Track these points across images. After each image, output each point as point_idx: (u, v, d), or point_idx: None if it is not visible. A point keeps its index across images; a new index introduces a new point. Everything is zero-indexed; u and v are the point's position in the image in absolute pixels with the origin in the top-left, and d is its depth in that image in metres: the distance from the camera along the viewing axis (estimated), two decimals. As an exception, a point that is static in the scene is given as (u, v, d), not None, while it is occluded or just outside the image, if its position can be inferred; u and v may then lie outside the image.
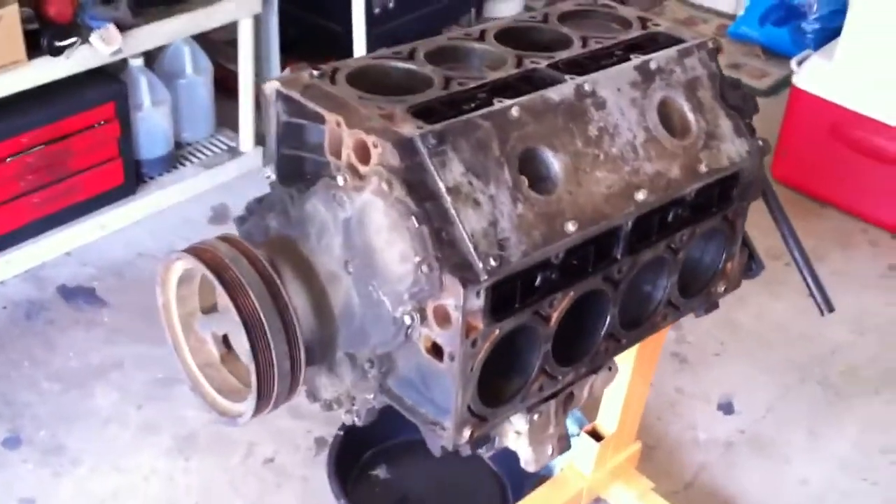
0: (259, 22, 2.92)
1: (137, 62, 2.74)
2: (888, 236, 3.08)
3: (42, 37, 2.34)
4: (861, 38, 2.93)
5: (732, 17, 4.31)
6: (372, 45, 3.13)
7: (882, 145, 2.96)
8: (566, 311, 1.22)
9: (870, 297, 2.82)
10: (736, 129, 1.37)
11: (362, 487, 2.11)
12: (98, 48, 2.43)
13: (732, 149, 1.36)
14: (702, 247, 1.44)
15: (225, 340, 1.28)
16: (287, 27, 3.02)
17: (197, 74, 2.97)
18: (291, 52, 3.12)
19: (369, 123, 1.13)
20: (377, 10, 3.35)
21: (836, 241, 3.04)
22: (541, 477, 2.05)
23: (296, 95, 1.20)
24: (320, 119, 1.17)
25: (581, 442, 1.96)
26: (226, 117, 3.13)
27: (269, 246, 1.25)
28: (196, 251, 1.18)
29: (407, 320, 1.13)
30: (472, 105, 1.19)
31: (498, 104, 1.18)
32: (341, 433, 2.08)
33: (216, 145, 3.09)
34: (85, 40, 2.41)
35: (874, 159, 2.99)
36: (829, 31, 3.72)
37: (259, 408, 1.18)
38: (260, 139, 3.12)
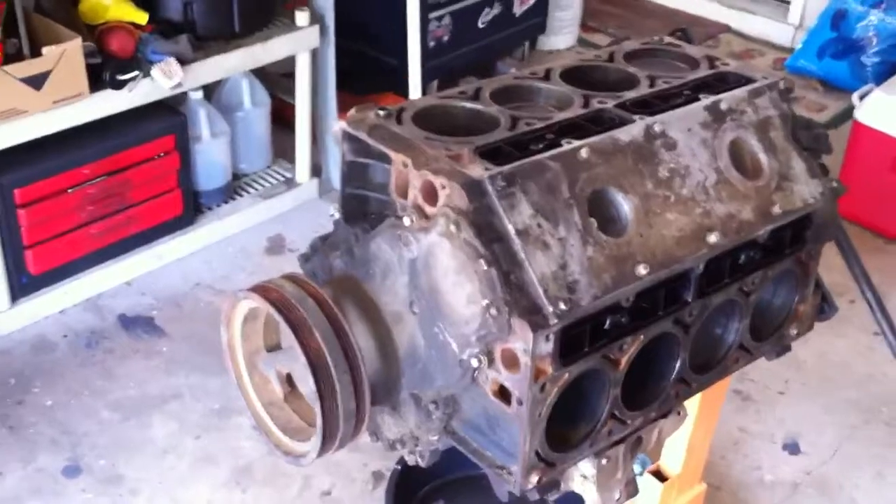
0: (316, 56, 2.94)
1: (197, 95, 2.77)
2: (954, 273, 3.00)
3: (104, 70, 2.37)
4: (926, 71, 2.88)
5: (789, 49, 4.26)
6: (427, 78, 3.15)
7: (947, 180, 2.90)
8: (636, 354, 1.20)
9: (937, 336, 2.74)
10: (809, 170, 1.34)
11: (420, 523, 2.09)
12: (159, 82, 2.47)
13: (806, 190, 1.33)
14: (773, 289, 1.41)
15: (289, 379, 1.27)
16: (343, 60, 3.04)
17: (255, 107, 3.00)
18: (347, 85, 3.14)
19: (437, 164, 1.12)
20: (432, 44, 3.37)
21: (900, 277, 2.98)
22: (599, 517, 2.01)
23: (363, 136, 1.19)
24: (387, 159, 1.17)
25: (645, 483, 1.93)
26: (282, 149, 3.16)
27: (333, 285, 1.24)
28: (262, 290, 1.17)
29: (474, 363, 1.12)
30: (540, 146, 1.17)
31: (566, 145, 1.16)
32: (399, 467, 2.07)
33: (273, 176, 3.11)
34: (146, 74, 2.45)
35: (939, 194, 2.93)
36: (890, 65, 3.67)
37: (324, 448, 1.17)
38: (316, 171, 3.15)
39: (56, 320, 2.57)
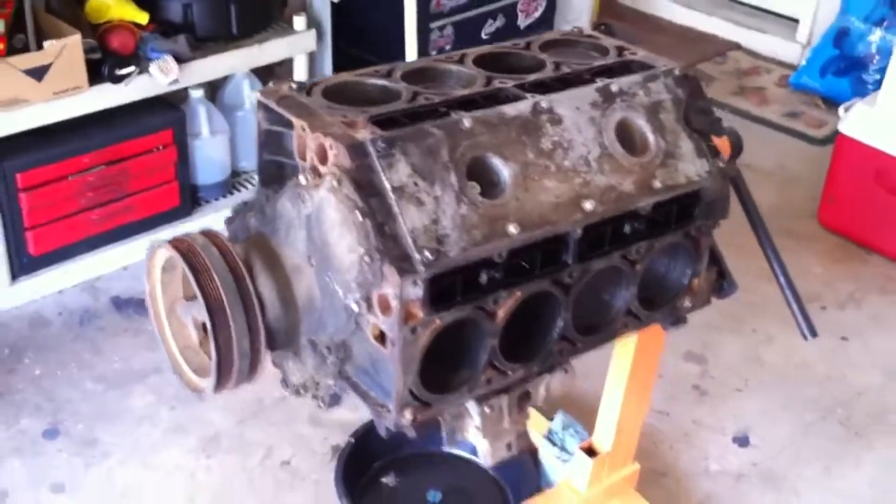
0: (313, 60, 3.09)
1: (198, 93, 2.93)
2: (931, 284, 3.05)
3: (103, 65, 2.54)
4: (902, 84, 2.94)
5: (796, 67, 4.32)
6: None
7: (925, 192, 2.96)
8: (515, 310, 1.30)
9: (905, 343, 2.80)
10: (697, 151, 1.44)
11: (372, 493, 2.19)
12: (156, 78, 2.62)
13: (692, 168, 1.43)
14: (666, 262, 1.51)
15: (204, 327, 1.40)
16: (342, 66, 3.18)
17: (255, 107, 3.14)
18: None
19: (330, 129, 1.24)
20: (433, 53, 3.49)
21: (877, 286, 3.03)
22: (541, 489, 2.11)
23: (272, 104, 1.32)
24: (290, 125, 1.29)
25: (576, 458, 2.02)
26: (283, 148, 3.29)
27: (247, 242, 1.37)
28: (175, 241, 1.31)
29: (355, 308, 1.24)
30: (432, 117, 1.29)
31: (454, 116, 1.28)
32: (352, 440, 2.18)
33: (272, 174, 3.25)
34: (143, 70, 2.60)
35: (917, 206, 2.99)
36: (889, 82, 3.71)
37: (220, 384, 1.30)
38: (314, 169, 3.28)
39: (53, 299, 2.73)
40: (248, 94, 3.12)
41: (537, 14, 3.93)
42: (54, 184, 2.63)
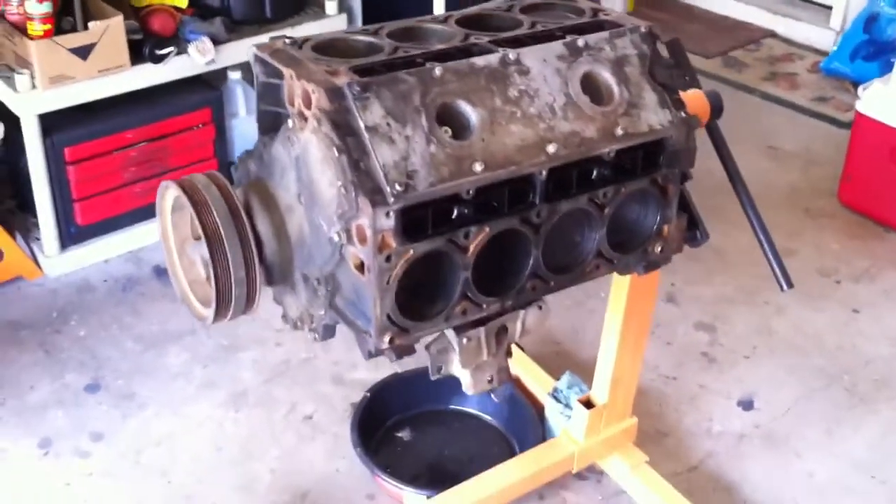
0: (346, 42, 3.24)
1: (236, 75, 3.10)
2: (948, 259, 3.08)
3: (144, 46, 2.72)
4: (917, 62, 2.99)
5: (828, 53, 4.36)
6: None
7: (940, 168, 3.00)
8: (487, 245, 1.42)
9: (918, 316, 2.85)
10: (660, 102, 1.55)
11: (387, 446, 2.33)
12: (194, 58, 2.79)
13: (654, 118, 1.53)
14: (636, 209, 1.61)
15: (210, 263, 1.55)
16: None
17: (291, 89, 3.30)
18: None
19: (315, 76, 1.38)
20: None
21: (892, 261, 3.07)
22: (545, 440, 2.22)
23: (266, 57, 1.46)
24: (281, 75, 1.43)
25: (575, 410, 2.13)
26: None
27: (247, 186, 1.52)
28: (180, 181, 1.45)
29: (336, 238, 1.37)
30: (409, 68, 1.42)
31: (427, 66, 1.41)
32: (368, 395, 2.32)
33: (307, 154, 3.41)
34: (182, 51, 2.78)
35: (933, 182, 3.03)
36: (917, 64, 3.74)
37: (219, 311, 1.44)
38: (347, 150, 3.43)
39: (99, 268, 2.92)
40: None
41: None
42: (100, 158, 2.81)
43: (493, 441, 2.34)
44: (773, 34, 4.63)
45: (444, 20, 1.62)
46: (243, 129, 3.16)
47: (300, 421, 2.41)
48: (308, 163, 1.38)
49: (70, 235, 2.87)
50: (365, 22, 3.25)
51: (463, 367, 1.53)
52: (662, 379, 2.56)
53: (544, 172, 1.44)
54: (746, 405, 2.51)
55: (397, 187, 1.31)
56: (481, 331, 1.51)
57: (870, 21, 4.02)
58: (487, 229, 1.42)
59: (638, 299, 1.95)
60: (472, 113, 1.40)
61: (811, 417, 2.47)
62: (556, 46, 1.50)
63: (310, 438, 2.36)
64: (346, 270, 1.41)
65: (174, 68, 2.79)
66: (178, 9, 2.84)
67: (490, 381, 1.59)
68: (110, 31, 2.62)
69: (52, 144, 2.72)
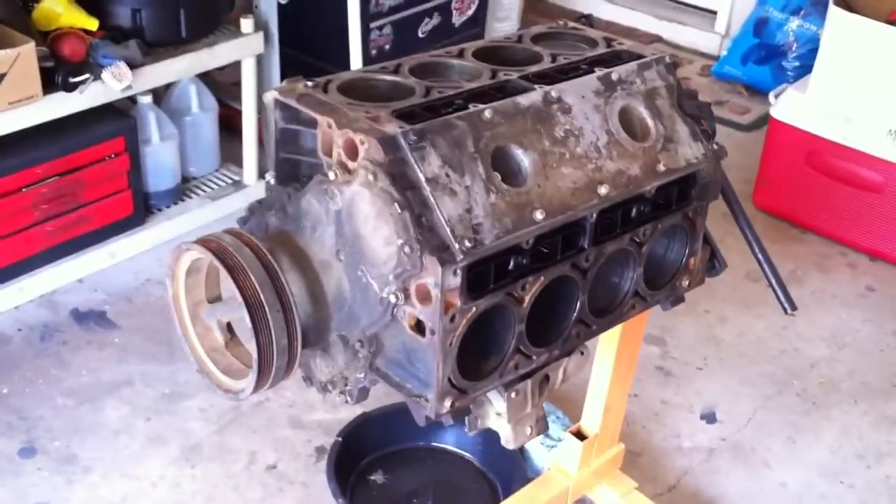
0: (261, 62, 3.08)
1: (146, 99, 2.90)
2: (867, 259, 3.20)
3: (57, 73, 2.49)
4: (832, 71, 3.09)
5: (716, 57, 4.48)
6: (369, 83, 3.30)
7: (856, 172, 3.11)
8: (538, 294, 1.35)
9: (847, 315, 2.94)
10: (692, 134, 1.51)
11: (361, 491, 2.21)
12: (109, 84, 2.58)
13: (689, 151, 1.49)
14: (665, 243, 1.57)
15: (229, 328, 1.41)
16: (288, 69, 3.18)
17: (203, 111, 3.12)
18: (292, 90, 3.28)
19: (357, 124, 1.27)
20: (374, 52, 3.52)
21: (815, 264, 3.17)
22: (528, 477, 2.16)
23: (292, 103, 1.34)
24: (313, 123, 1.31)
25: (566, 442, 2.08)
26: (230, 153, 3.28)
27: (269, 241, 1.38)
28: (203, 241, 1.31)
29: (393, 300, 1.26)
30: (450, 110, 1.33)
31: (473, 108, 1.32)
32: (340, 439, 2.20)
33: (221, 179, 3.24)
34: (97, 77, 2.57)
35: (850, 185, 3.13)
36: (809, 69, 3.87)
37: (259, 383, 1.31)
38: (262, 173, 3.27)
39: (10, 315, 2.67)
40: (195, 99, 3.10)
41: (470, 12, 3.99)
42: (8, 197, 2.57)
43: (471, 477, 2.27)
44: (659, 39, 4.72)
45: (460, 54, 1.53)
46: (157, 156, 2.96)
47: (263, 472, 2.26)
48: (354, 218, 1.27)
49: (-24, 282, 2.62)
50: (283, 42, 3.10)
51: (508, 422, 1.45)
52: (625, 397, 2.55)
53: (594, 215, 1.37)
54: (710, 418, 2.52)
55: (466, 243, 1.22)
56: (528, 383, 1.44)
57: (759, 25, 4.14)
58: (542, 278, 1.34)
59: (631, 329, 1.91)
60: (523, 157, 1.32)
61: (772, 427, 2.51)
62: (592, 81, 1.44)
63: (277, 490, 2.22)
64: (396, 331, 1.31)
65: (89, 96, 2.58)
66: (87, 31, 2.62)
67: (529, 432, 1.51)
68: (21, 59, 2.39)
69: (-44, 185, 2.46)
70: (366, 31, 3.41)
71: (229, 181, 3.23)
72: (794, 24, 4.04)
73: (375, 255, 1.26)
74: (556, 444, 2.21)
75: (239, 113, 3.18)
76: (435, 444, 2.31)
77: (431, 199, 1.22)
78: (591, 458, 2.09)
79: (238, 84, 3.16)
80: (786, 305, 1.80)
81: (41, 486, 2.18)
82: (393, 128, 1.25)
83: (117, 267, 2.88)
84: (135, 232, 2.92)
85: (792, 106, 3.20)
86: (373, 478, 2.25)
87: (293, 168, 1.41)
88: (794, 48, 4.05)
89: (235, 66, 3.05)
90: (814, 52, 3.79)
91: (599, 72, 1.46)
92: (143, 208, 2.94)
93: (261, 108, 3.16)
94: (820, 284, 3.08)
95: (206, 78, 3.14)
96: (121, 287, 2.82)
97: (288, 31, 3.20)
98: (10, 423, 2.33)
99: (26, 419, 2.35)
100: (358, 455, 2.25)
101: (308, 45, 3.40)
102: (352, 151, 1.26)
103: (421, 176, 1.23)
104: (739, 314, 2.89)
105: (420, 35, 3.74)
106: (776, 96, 3.29)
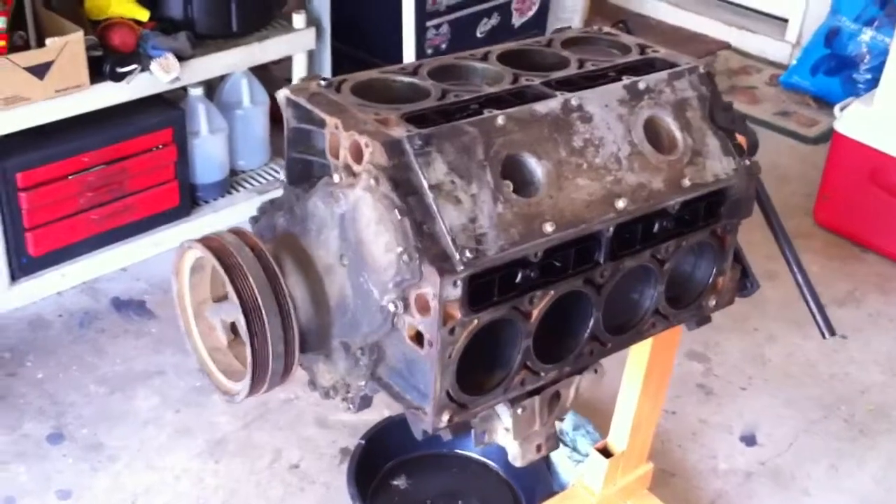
0: (312, 58, 3.07)
1: (197, 92, 2.91)
2: (928, 281, 3.07)
3: (104, 63, 2.51)
4: (900, 84, 2.96)
5: (785, 66, 4.35)
6: (421, 82, 3.27)
7: (921, 190, 2.98)
8: (548, 309, 1.29)
9: (905, 341, 2.82)
10: (723, 148, 1.44)
11: (382, 495, 2.18)
12: (157, 76, 2.60)
13: (719, 166, 1.43)
14: (692, 261, 1.50)
15: (233, 328, 1.38)
16: (341, 64, 3.17)
17: (254, 105, 3.13)
18: (344, 87, 3.27)
19: (364, 126, 1.23)
20: (429, 52, 3.49)
21: (875, 284, 3.05)
22: (553, 491, 2.11)
23: (302, 102, 1.31)
24: (322, 124, 1.28)
25: (591, 458, 2.02)
26: (281, 148, 3.26)
27: (276, 242, 1.35)
28: (206, 240, 1.29)
29: (392, 308, 1.22)
30: (464, 114, 1.28)
31: (486, 113, 1.27)
32: (363, 442, 2.17)
33: (270, 174, 3.24)
34: (145, 68, 2.58)
35: (913, 204, 3.01)
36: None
37: (254, 387, 1.28)
38: (311, 169, 3.26)
39: (53, 301, 2.70)
40: (247, 92, 3.10)
41: (531, 13, 3.93)
42: (54, 183, 2.60)
43: (495, 488, 2.22)
44: (727, 46, 4.60)
45: (485, 56, 1.48)
46: (205, 149, 2.97)
47: (286, 470, 2.25)
48: (358, 222, 1.23)
49: (21, 267, 2.64)
50: (334, 35, 3.08)
51: (514, 439, 1.40)
52: (662, 413, 2.47)
53: (611, 229, 1.31)
54: (749, 441, 2.43)
55: (467, 254, 1.17)
56: (535, 400, 1.38)
57: (831, 35, 4.01)
58: (552, 292, 1.29)
59: (663, 344, 1.85)
60: (537, 166, 1.27)
61: (814, 452, 2.41)
62: (617, 90, 1.38)
63: (298, 490, 2.20)
64: (397, 340, 1.27)
65: (136, 87, 2.59)
66: (138, 22, 2.63)
67: (538, 450, 1.46)
68: (69, 47, 2.41)
69: (3, 170, 2.49)
70: (421, 30, 3.38)
71: (278, 175, 3.23)
72: (867, 35, 3.90)
73: (376, 261, 1.22)
74: (583, 460, 2.15)
75: (291, 108, 3.17)
76: (460, 451, 2.27)
77: (434, 207, 1.18)
78: (617, 476, 2.03)
79: (290, 80, 3.16)
80: (824, 330, 1.72)
81: (65, 472, 2.19)
82: (399, 131, 1.21)
83: (161, 257, 2.89)
84: (180, 223, 2.94)
85: (857, 120, 3.08)
86: (395, 483, 2.21)
87: (306, 168, 1.38)
88: (866, 60, 3.91)
89: (290, 60, 3.05)
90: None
91: (626, 80, 1.40)
92: (189, 200, 2.95)
93: (311, 103, 3.15)
94: (878, 306, 2.96)
95: (260, 72, 3.14)
96: (162, 277, 2.83)
97: (342, 27, 3.18)
98: (41, 408, 2.35)
99: (58, 405, 2.37)
100: (381, 459, 2.22)
101: (362, 41, 3.38)
102: (357, 154, 1.22)
103: (424, 182, 1.18)
104: (790, 333, 2.79)
105: (478, 35, 3.70)
106: (842, 109, 3.18)
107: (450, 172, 1.20)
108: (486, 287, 1.22)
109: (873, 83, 3.78)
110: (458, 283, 1.18)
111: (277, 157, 3.30)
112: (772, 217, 1.68)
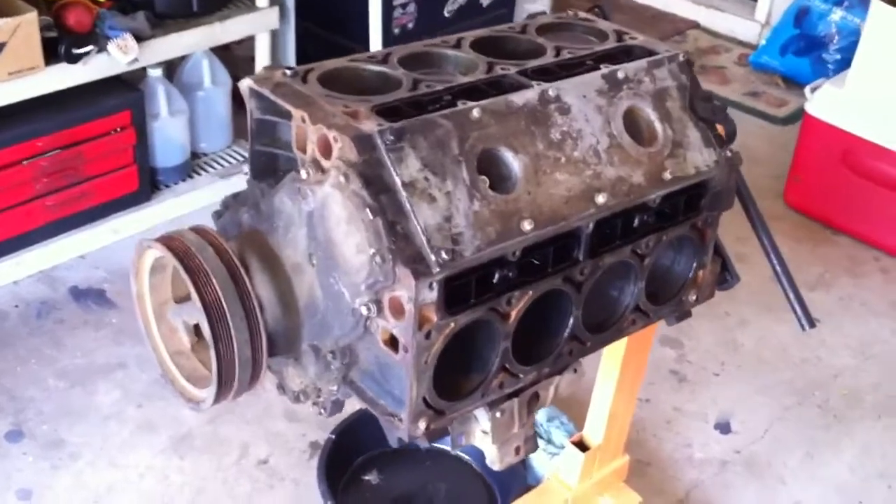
0: (276, 38, 2.99)
1: (156, 73, 2.82)
2: (899, 264, 3.06)
3: (60, 44, 2.41)
4: (872, 67, 2.94)
5: (754, 46, 4.32)
6: (388, 63, 3.19)
7: (893, 173, 2.96)
8: (526, 309, 1.24)
9: (877, 325, 2.81)
10: (704, 140, 1.39)
11: (354, 491, 2.14)
12: (115, 57, 2.50)
13: (699, 158, 1.38)
14: (671, 255, 1.46)
15: (196, 330, 1.32)
16: (305, 44, 3.09)
17: (215, 86, 3.04)
18: (309, 68, 3.19)
19: (333, 120, 1.16)
20: (396, 31, 3.41)
21: (846, 268, 3.04)
22: (528, 485, 2.07)
23: (266, 92, 1.24)
24: (288, 115, 1.21)
25: (567, 452, 1.98)
26: (243, 129, 3.17)
27: (240, 239, 1.29)
28: (166, 239, 1.22)
29: (364, 311, 1.16)
30: (437, 106, 1.22)
31: (460, 105, 1.21)
32: (333, 437, 2.11)
33: (233, 156, 3.15)
34: (102, 49, 2.48)
35: (885, 187, 2.99)
36: (850, 62, 3.71)
37: (220, 395, 1.22)
38: (276, 152, 3.18)
39: (8, 291, 2.61)
40: (208, 73, 3.01)
41: (500, -9, 3.86)
42: (8, 169, 2.51)
43: (469, 482, 2.18)
44: (696, 25, 4.56)
45: (457, 43, 1.42)
46: (165, 131, 2.88)
47: (254, 466, 2.19)
48: (327, 221, 1.17)
49: (-26, 256, 2.55)
50: (298, 14, 3.00)
51: (493, 444, 1.35)
52: (637, 401, 2.43)
53: (591, 225, 1.26)
54: (724, 428, 2.41)
55: (443, 255, 1.11)
56: (514, 402, 1.34)
57: (800, 15, 3.98)
58: (531, 292, 1.24)
59: (639, 339, 1.80)
60: (513, 161, 1.22)
61: (789, 440, 2.39)
62: (595, 79, 1.32)
63: (267, 487, 2.15)
64: (370, 343, 1.21)
65: (93, 69, 2.50)
66: (95, 1, 2.53)
67: (517, 452, 1.41)
68: (22, 28, 2.31)
69: (-47, 156, 2.40)
70: (388, 8, 3.30)
71: (241, 158, 3.14)
72: (837, 15, 3.87)
73: (347, 262, 1.16)
74: (558, 452, 2.11)
75: (254, 89, 3.08)
76: (434, 444, 2.21)
77: (407, 206, 1.12)
78: (594, 470, 1.99)
79: (252, 59, 3.07)
80: (804, 322, 1.68)
81: (25, 471, 2.12)
82: (370, 125, 1.14)
83: (120, 244, 2.80)
84: (140, 208, 2.85)
85: (829, 101, 3.06)
86: (367, 478, 2.16)
87: (270, 161, 1.32)
88: (835, 40, 3.88)
89: (253, 40, 2.96)
90: (856, 45, 3.64)
91: (605, 69, 1.34)
92: (149, 184, 2.87)
93: (275, 85, 3.06)
94: (849, 290, 2.94)
95: (221, 52, 3.05)
96: (122, 265, 2.74)
97: (306, 6, 3.10)
98: (-1, 403, 2.28)
99: (16, 400, 2.29)
100: (352, 453, 2.17)
101: (327, 20, 3.30)
102: (325, 149, 1.16)
103: (397, 179, 1.12)
104: (761, 318, 2.76)
105: (446, 14, 3.62)
106: (812, 90, 3.15)
107: (423, 168, 1.14)
108: (462, 288, 1.17)
109: (843, 63, 3.76)
110: (434, 285, 1.13)
111: (240, 139, 3.21)
112: (749, 206, 1.64)
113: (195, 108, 2.99)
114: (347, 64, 1.34)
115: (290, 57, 3.03)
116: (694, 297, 1.50)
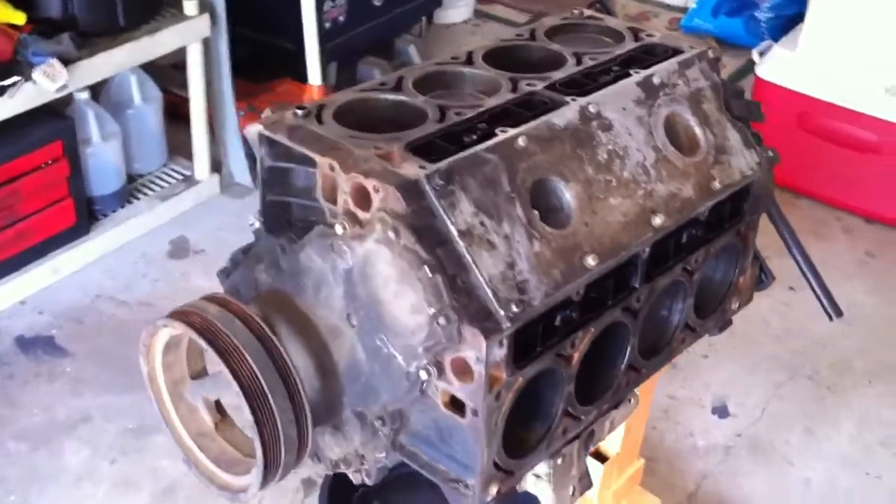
0: (208, 45, 2.80)
1: (83, 96, 2.62)
2: (863, 222, 3.06)
3: (-18, 77, 2.20)
4: (824, 26, 2.90)
5: (683, 10, 4.28)
6: (325, 61, 3.04)
7: (850, 132, 2.94)
8: (588, 348, 1.14)
9: (851, 286, 2.79)
10: (744, 141, 1.31)
11: (357, 528, 2.01)
12: (42, 85, 2.30)
13: (743, 161, 1.29)
14: (714, 264, 1.37)
15: (218, 406, 1.18)
16: (238, 48, 2.91)
17: (145, 103, 2.85)
18: (244, 73, 3.02)
19: (367, 165, 1.04)
20: (328, 25, 3.25)
21: (810, 230, 3.01)
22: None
23: (282, 139, 1.10)
24: (310, 162, 1.08)
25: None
26: (179, 145, 3.01)
27: (261, 302, 1.15)
28: (183, 315, 1.07)
29: (423, 375, 1.04)
30: (474, 137, 1.10)
31: (502, 134, 1.09)
32: (330, 472, 1.98)
33: (170, 175, 2.97)
34: (28, 78, 2.28)
35: (843, 147, 2.97)
36: (784, 20, 3.70)
37: (266, 480, 1.09)
38: (215, 166, 3.01)
39: (-53, 347, 2.40)
40: (136, 89, 2.82)
41: (427, -24, 3.72)
42: (-65, 217, 2.29)
43: None
44: (620, -9, 4.49)
45: (469, 59, 1.29)
46: (99, 158, 2.69)
47: (249, 512, 2.04)
48: (371, 279, 1.04)
49: None
50: (231, 20, 2.81)
51: (552, 490, 1.25)
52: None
53: (647, 250, 1.16)
54: (722, 412, 2.36)
55: (512, 308, 1.00)
56: (574, 445, 1.24)
57: (729, -25, 3.94)
58: (592, 330, 1.13)
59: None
60: (565, 190, 1.10)
61: (787, 417, 2.35)
62: (631, 88, 1.22)
63: (265, 532, 2.01)
64: (426, 406, 1.09)
65: (19, 101, 2.29)
66: (14, 27, 2.32)
67: (573, 493, 1.31)
68: (-62, 64, 2.10)
69: None
70: (319, 3, 3.13)
71: (179, 177, 2.96)
72: (767, -28, 3.84)
73: (399, 323, 1.04)
74: (569, 463, 2.02)
75: (185, 100, 2.91)
76: (435, 468, 2.11)
77: (467, 257, 1.00)
78: (612, 479, 1.91)
79: (179, 66, 2.89)
80: (831, 312, 1.62)
81: (-1, 550, 1.95)
82: (413, 169, 1.02)
83: (63, 283, 2.61)
84: (79, 243, 2.66)
85: (780, 65, 3.02)
86: (370, 511, 2.04)
87: (283, 211, 1.18)
88: (767, -1, 3.86)
89: (179, 48, 2.77)
90: (789, 2, 3.62)
91: (638, 75, 1.24)
92: (86, 216, 2.67)
93: (210, 94, 2.89)
94: (817, 254, 2.85)
95: (147, 64, 2.85)
96: (68, 306, 2.55)
97: (236, 8, 2.91)
98: (-43, 476, 2.08)
99: (-25, 470, 2.10)
100: (350, 486, 2.04)
101: (259, 21, 3.12)
102: (363, 199, 1.03)
103: (452, 228, 1.00)
104: (739, 293, 2.71)
105: (376, 3, 3.46)
106: (761, 54, 3.10)
107: (477, 213, 1.02)
108: (529, 339, 1.06)
109: (776, 22, 3.75)
110: (504, 341, 1.01)
111: (176, 155, 3.03)
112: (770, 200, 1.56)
113: (127, 129, 2.80)
114: (359, 95, 1.20)
115: (225, 63, 2.84)
116: (736, 304, 1.42)
